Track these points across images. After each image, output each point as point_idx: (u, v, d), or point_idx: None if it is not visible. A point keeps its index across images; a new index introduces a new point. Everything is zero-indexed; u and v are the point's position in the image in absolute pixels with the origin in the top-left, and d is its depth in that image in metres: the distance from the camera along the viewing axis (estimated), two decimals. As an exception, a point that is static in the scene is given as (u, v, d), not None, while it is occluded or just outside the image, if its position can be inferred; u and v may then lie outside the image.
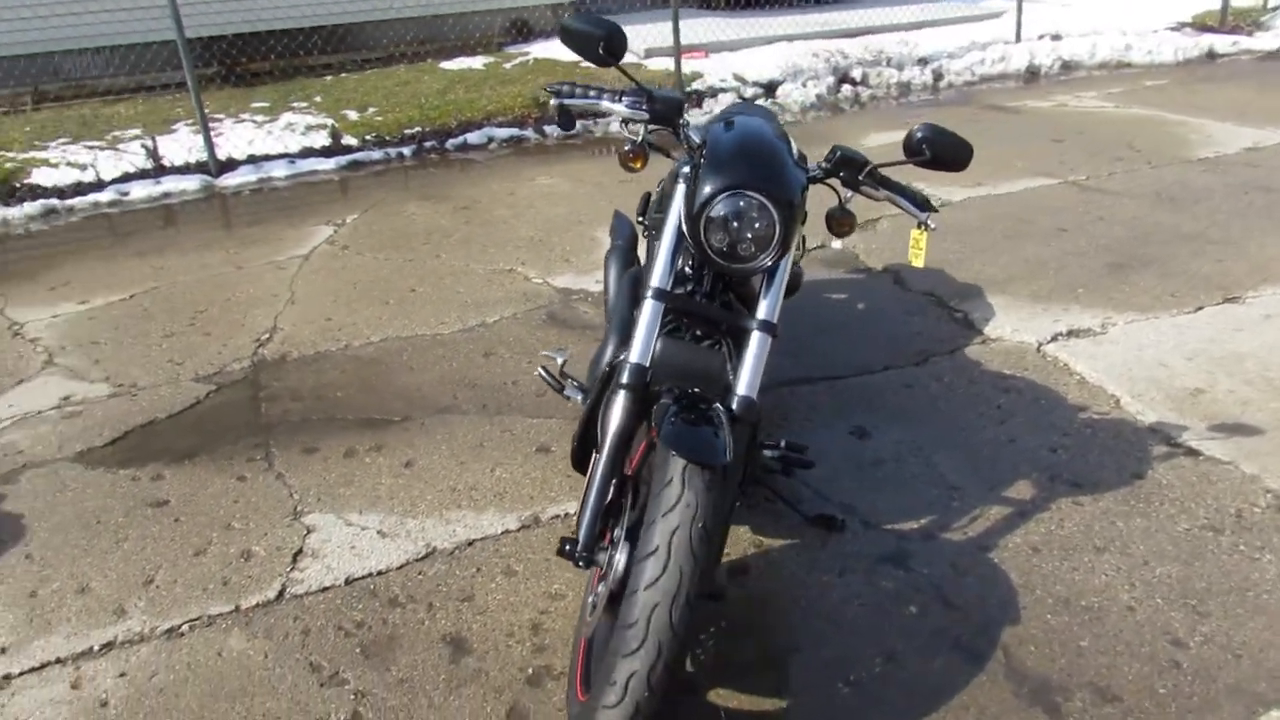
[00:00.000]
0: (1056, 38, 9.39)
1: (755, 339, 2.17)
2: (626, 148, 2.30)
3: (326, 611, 2.53)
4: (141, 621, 2.52)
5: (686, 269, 2.32)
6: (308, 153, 6.83)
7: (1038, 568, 2.57)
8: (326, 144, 6.91)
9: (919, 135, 2.22)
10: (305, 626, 2.48)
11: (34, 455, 3.31)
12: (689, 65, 8.39)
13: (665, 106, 2.31)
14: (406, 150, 6.96)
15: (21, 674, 2.37)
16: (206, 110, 7.36)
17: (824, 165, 2.30)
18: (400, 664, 2.35)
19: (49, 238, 5.67)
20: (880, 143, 6.48)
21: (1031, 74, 8.76)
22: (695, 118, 5.56)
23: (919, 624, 2.40)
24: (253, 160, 6.69)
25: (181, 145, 6.75)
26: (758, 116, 3.20)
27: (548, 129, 7.29)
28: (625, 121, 2.35)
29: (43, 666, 2.39)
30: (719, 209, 2.11)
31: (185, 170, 6.52)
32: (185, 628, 2.50)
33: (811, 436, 3.19)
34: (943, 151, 2.22)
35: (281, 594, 2.60)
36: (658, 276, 2.20)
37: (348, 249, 5.14)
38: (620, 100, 2.36)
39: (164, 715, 2.22)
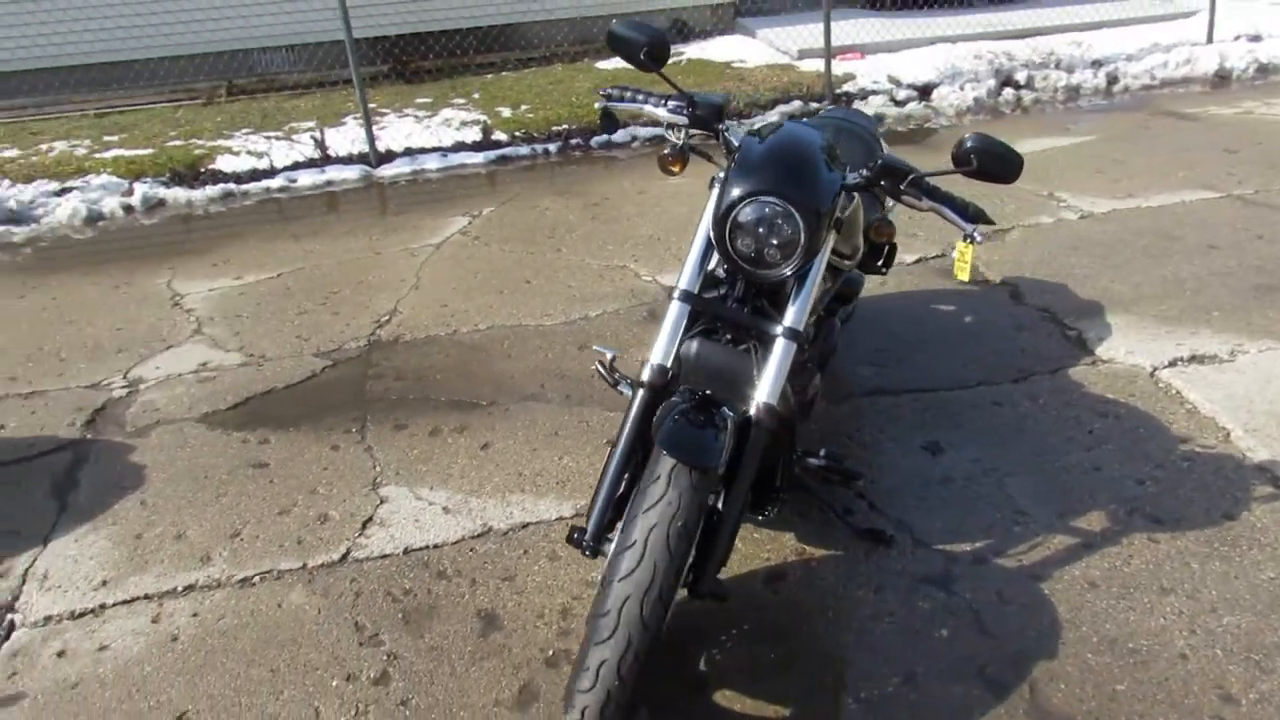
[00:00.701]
0: (1255, 39, 8.64)
1: (779, 345, 2.17)
2: (665, 151, 2.34)
3: (380, 577, 2.70)
4: (221, 570, 2.77)
5: (719, 272, 2.34)
6: (459, 147, 7.17)
7: (1090, 603, 2.43)
8: (478, 139, 7.24)
9: (967, 145, 2.15)
10: (359, 589, 2.66)
11: (166, 413, 3.67)
12: (842, 67, 8.25)
13: (705, 111, 2.35)
14: (552, 147, 7.19)
15: (114, 604, 2.66)
16: (373, 105, 7.88)
17: (865, 174, 2.26)
18: (434, 632, 2.48)
19: (223, 219, 6.22)
20: (1032, 149, 6.19)
21: (1221, 78, 8.10)
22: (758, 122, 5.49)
23: (947, 648, 2.33)
24: (409, 153, 7.09)
25: (346, 137, 7.23)
26: (846, 119, 3.17)
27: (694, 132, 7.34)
28: (670, 126, 2.39)
29: (132, 600, 2.67)
30: (745, 214, 2.12)
31: (348, 160, 6.98)
32: (257, 579, 2.73)
33: (881, 450, 3.13)
34: (990, 163, 2.15)
35: (345, 557, 2.79)
36: (685, 279, 2.24)
37: (478, 239, 5.38)
38: (664, 105, 2.40)
39: (221, 654, 2.45)
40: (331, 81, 8.79)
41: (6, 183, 6.64)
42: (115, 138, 7.53)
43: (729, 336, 2.28)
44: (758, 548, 2.71)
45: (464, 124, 7.45)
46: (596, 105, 2.51)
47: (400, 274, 4.93)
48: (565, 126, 7.39)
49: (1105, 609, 2.41)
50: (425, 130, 7.43)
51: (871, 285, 4.32)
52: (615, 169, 6.67)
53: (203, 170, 6.83)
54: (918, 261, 4.60)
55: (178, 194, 6.57)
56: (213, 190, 6.63)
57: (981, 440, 3.14)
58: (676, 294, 2.22)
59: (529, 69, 9.07)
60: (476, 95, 8.20)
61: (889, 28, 8.92)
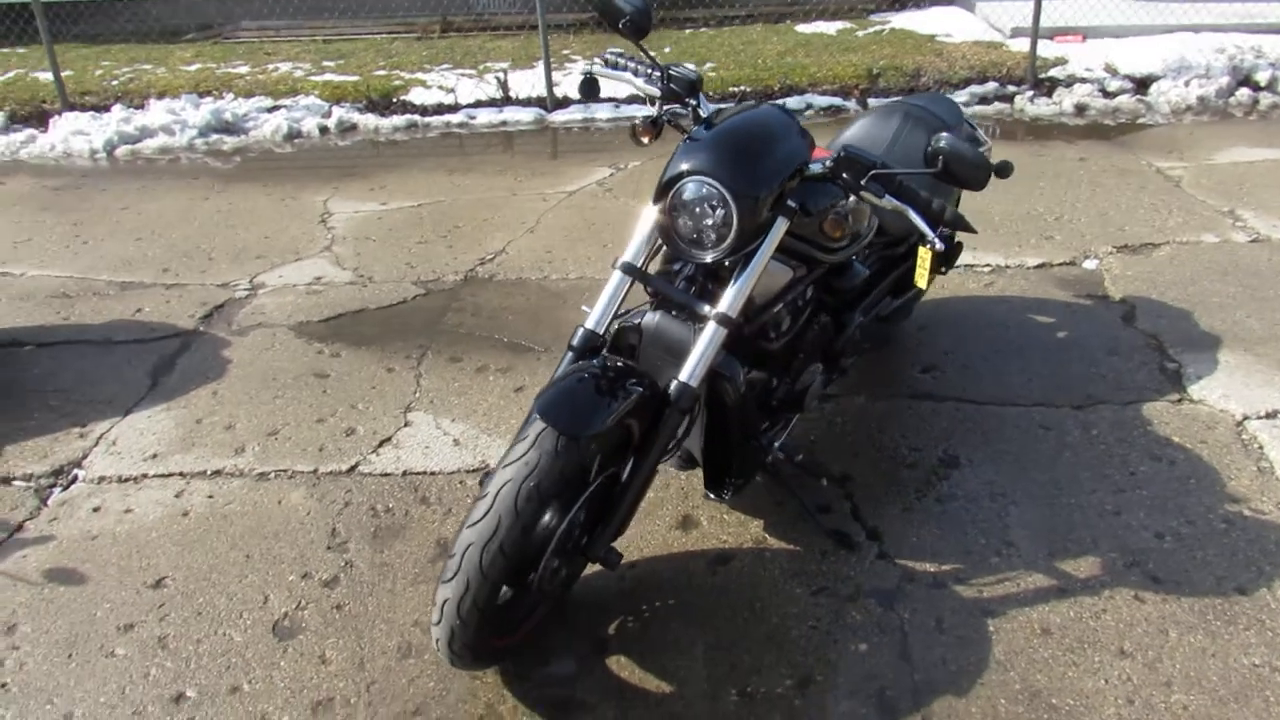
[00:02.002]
0: None
1: (707, 329, 2.16)
2: (637, 120, 2.34)
3: (373, 492, 2.91)
4: (248, 462, 3.08)
5: None
6: (633, 99, 7.27)
7: (1033, 650, 2.26)
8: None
9: (939, 145, 2.02)
10: (349, 499, 2.89)
11: (269, 318, 4.06)
12: (1056, 49, 7.64)
13: (679, 84, 2.34)
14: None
15: (152, 476, 3.03)
16: (566, 52, 8.13)
17: (827, 163, 2.16)
18: (392, 550, 2.67)
19: (401, 147, 6.67)
20: (1237, 159, 5.54)
21: None
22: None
23: (856, 663, 2.25)
24: (580, 101, 7.28)
25: (530, 80, 7.50)
26: (923, 108, 3.00)
27: (872, 101, 7.09)
28: (651, 99, 2.39)
29: (168, 475, 3.03)
30: (685, 192, 2.11)
31: (526, 103, 7.27)
32: (272, 475, 3.02)
33: (892, 455, 3.00)
34: (956, 167, 2.02)
35: (352, 469, 3.03)
36: (629, 250, 2.25)
37: (610, 191, 5.50)
38: (643, 76, 2.39)
39: (214, 535, 2.75)
40: (534, 26, 9.11)
41: (230, 96, 7.41)
42: (332, 63, 8.20)
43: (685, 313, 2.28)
44: (720, 529, 2.70)
45: (643, 77, 7.54)
46: (580, 71, 2.53)
47: (523, 216, 5.13)
48: (743, 88, 7.33)
49: (1046, 659, 2.24)
50: (608, 81, 7.57)
51: (969, 286, 4.08)
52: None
53: (394, 100, 7.33)
54: (1040, 266, 4.28)
55: (369, 120, 7.09)
56: (399, 120, 7.10)
57: (1004, 462, 2.94)
58: (619, 264, 2.24)
59: (729, 27, 9.01)
60: (668, 49, 8.26)
61: (1122, 9, 8.13)
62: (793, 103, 7.12)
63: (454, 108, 7.26)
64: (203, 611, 2.47)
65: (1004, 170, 3.49)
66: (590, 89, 2.47)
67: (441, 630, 1.96)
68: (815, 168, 2.19)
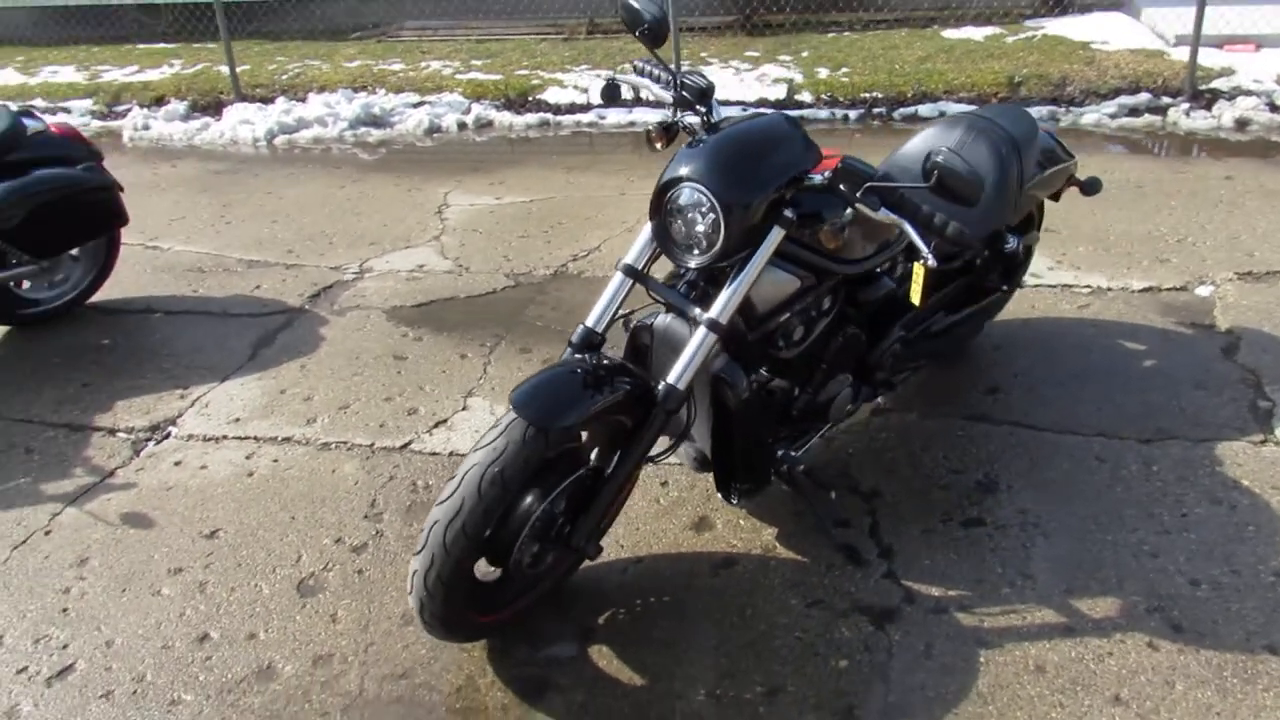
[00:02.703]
0: None
1: (696, 334, 2.20)
2: (651, 126, 2.39)
3: (417, 469, 3.09)
4: (315, 432, 3.32)
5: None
6: (761, 104, 7.27)
7: (1021, 687, 2.18)
8: (780, 97, 7.29)
9: (934, 159, 1.99)
10: (394, 474, 3.07)
11: (367, 301, 4.34)
12: (1226, 59, 7.11)
13: (689, 91, 2.37)
14: (853, 114, 7.05)
15: (230, 438, 3.32)
16: (704, 54, 8.22)
17: (826, 176, 2.15)
18: (420, 524, 2.82)
19: (531, 144, 6.92)
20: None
21: None
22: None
23: (831, 678, 2.23)
24: (711, 103, 7.33)
25: (661, 82, 7.60)
26: (989, 121, 2.92)
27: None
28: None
29: (244, 438, 3.31)
30: (678, 198, 2.15)
31: (656, 105, 7.38)
32: (334, 445, 3.25)
33: (930, 474, 2.93)
34: (950, 181, 1.98)
35: (404, 446, 3.22)
36: (631, 253, 2.31)
37: (716, 195, 5.53)
38: (658, 81, 2.44)
39: (270, 496, 2.99)
40: (686, 28, 9.21)
41: (382, 91, 7.88)
42: (480, 62, 8.57)
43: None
44: (733, 533, 2.72)
45: (776, 81, 7.53)
46: (603, 76, 2.60)
47: (624, 216, 5.24)
48: (873, 95, 7.19)
49: (1031, 696, 2.16)
50: (739, 83, 7.62)
51: (1061, 307, 3.90)
52: (900, 140, 6.40)
53: (530, 99, 7.60)
54: (1146, 290, 4.04)
55: (504, 117, 7.39)
56: (532, 118, 7.37)
57: (1046, 491, 2.82)
58: (620, 265, 2.31)
59: (873, 31, 8.84)
60: (805, 54, 8.19)
61: (1311, 18, 7.46)
62: (925, 109, 6.94)
63: (585, 107, 7.45)
64: (243, 564, 2.70)
65: (1091, 187, 3.35)
66: (611, 93, 2.53)
67: (413, 600, 2.09)
68: (815, 179, 2.18)
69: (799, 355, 2.53)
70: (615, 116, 7.28)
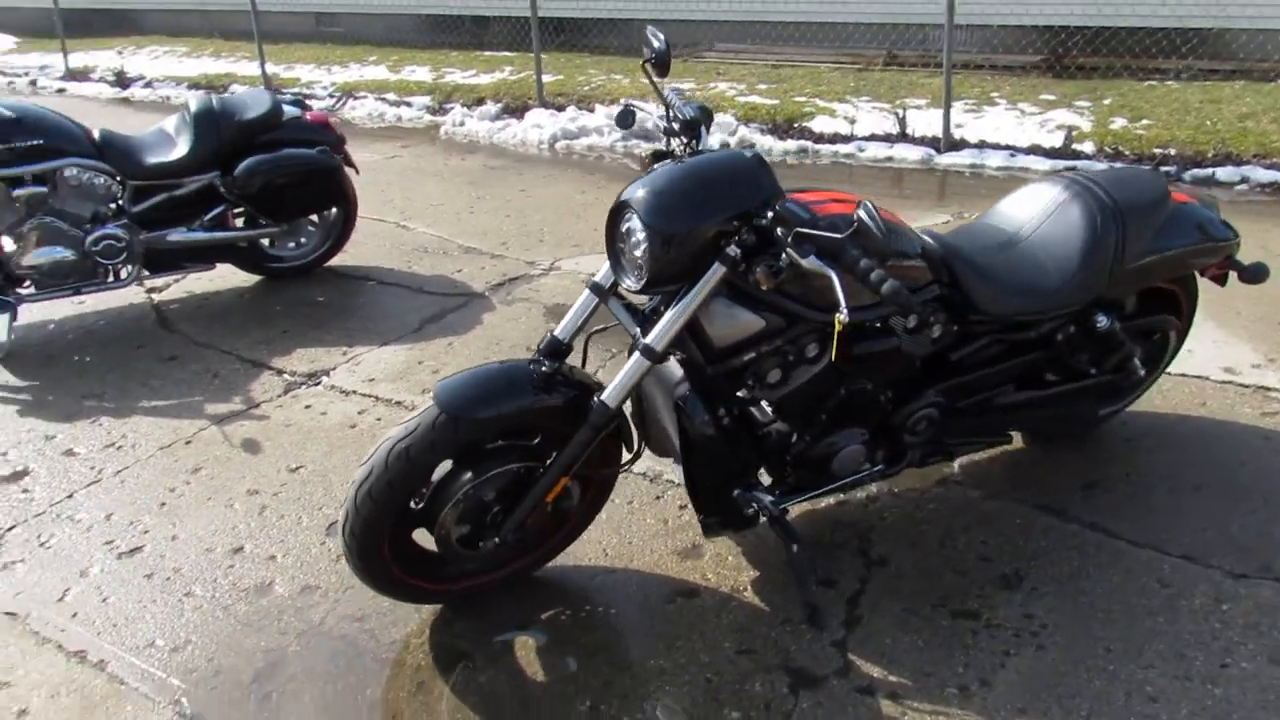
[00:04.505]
0: None
1: (633, 357, 2.25)
2: (645, 154, 2.45)
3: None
4: (417, 399, 3.71)
5: None
6: (1034, 150, 6.79)
7: (899, 789, 2.01)
8: (1055, 146, 6.76)
9: (857, 211, 1.91)
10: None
11: (536, 296, 4.69)
12: None
13: (681, 123, 2.40)
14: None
15: (357, 394, 3.79)
16: (995, 93, 7.82)
17: (768, 218, 2.10)
18: (453, 497, 3.09)
19: (785, 170, 6.78)
20: None
21: None
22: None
23: (712, 725, 2.19)
24: (981, 145, 6.96)
25: (929, 119, 7.33)
26: (1063, 186, 2.67)
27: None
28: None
29: (366, 395, 3.77)
30: (619, 220, 2.21)
31: (920, 141, 7.15)
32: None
33: (955, 553, 2.71)
34: (864, 237, 1.88)
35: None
36: (600, 272, 2.40)
37: (927, 239, 5.30)
38: (660, 113, 2.49)
39: (353, 446, 3.39)
40: (977, 65, 8.77)
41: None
42: (765, 86, 8.74)
43: None
44: (715, 566, 2.71)
45: (1058, 127, 6.98)
46: (623, 102, 2.65)
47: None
48: (1165, 152, 6.46)
49: (904, 803, 1.98)
50: (1017, 127, 7.16)
51: (1241, 409, 3.38)
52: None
53: (794, 125, 7.66)
54: (1367, 408, 3.37)
55: (765, 141, 7.52)
56: (792, 144, 7.43)
57: (1072, 603, 2.50)
58: (589, 283, 2.41)
59: (1201, 82, 7.86)
60: (1108, 101, 7.49)
61: None
62: (1224, 173, 6.13)
63: (848, 138, 7.38)
64: (302, 498, 3.12)
65: (1253, 274, 2.90)
66: (625, 119, 2.61)
67: (341, 546, 2.35)
68: (761, 221, 2.13)
69: (793, 401, 2.47)
70: (874, 150, 7.16)
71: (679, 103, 2.51)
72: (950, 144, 7.01)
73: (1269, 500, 2.88)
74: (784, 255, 2.08)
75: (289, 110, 4.66)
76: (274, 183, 4.48)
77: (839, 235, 1.94)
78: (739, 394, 2.39)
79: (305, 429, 3.53)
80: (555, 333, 2.44)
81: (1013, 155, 6.78)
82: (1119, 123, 6.99)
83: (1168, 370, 3.61)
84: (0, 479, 3.28)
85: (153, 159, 4.42)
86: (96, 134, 4.36)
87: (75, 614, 2.63)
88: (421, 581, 2.48)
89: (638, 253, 2.19)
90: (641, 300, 2.42)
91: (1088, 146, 6.69)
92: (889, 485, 3.03)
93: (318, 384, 3.90)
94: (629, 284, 2.24)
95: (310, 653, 2.47)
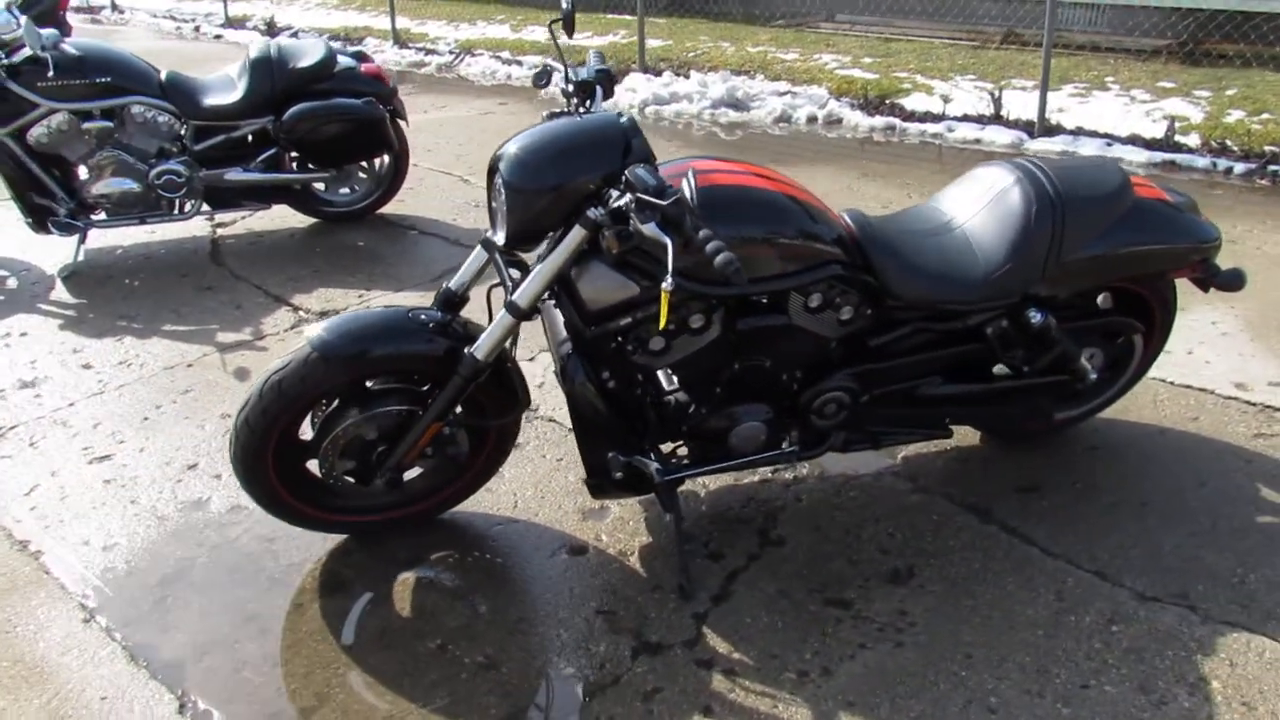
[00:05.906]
0: None
1: (500, 313, 2.30)
2: (545, 113, 2.46)
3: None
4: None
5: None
6: (1133, 140, 6.35)
7: (692, 761, 2.02)
8: (1155, 137, 6.29)
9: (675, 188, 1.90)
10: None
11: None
12: None
13: (575, 84, 2.42)
14: (1240, 167, 5.88)
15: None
16: (1112, 79, 7.35)
17: (623, 183, 2.09)
18: (399, 438, 3.23)
19: (869, 147, 6.78)
20: None
21: None
22: None
23: (543, 678, 2.25)
24: (1073, 132, 6.56)
25: (1031, 102, 6.94)
26: (1016, 173, 2.55)
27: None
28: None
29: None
30: (492, 175, 2.26)
31: (1013, 124, 6.79)
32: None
33: (853, 545, 2.65)
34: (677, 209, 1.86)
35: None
36: (491, 228, 2.45)
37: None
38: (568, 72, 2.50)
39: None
40: (1106, 48, 8.21)
41: (761, 77, 8.19)
42: (870, 60, 8.47)
43: None
44: (614, 529, 2.74)
45: (1164, 117, 6.50)
46: (539, 62, 2.65)
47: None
48: (1278, 149, 5.92)
49: (690, 775, 1.99)
50: (1122, 114, 6.71)
51: (1232, 429, 3.14)
52: (1238, 213, 5.26)
53: (886, 101, 7.41)
54: (1384, 440, 3.07)
55: (855, 117, 7.31)
56: (879, 120, 7.20)
57: (954, 605, 2.41)
58: (481, 239, 2.47)
59: (1352, 76, 7.12)
60: (1231, 91, 6.90)
61: None
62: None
63: (938, 118, 7.09)
64: (266, 425, 3.32)
65: (1229, 282, 2.69)
66: (541, 79, 2.61)
67: (229, 465, 2.51)
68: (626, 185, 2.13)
69: (685, 372, 2.48)
70: (963, 131, 6.85)
71: (594, 64, 2.53)
72: (1045, 129, 6.63)
73: (1216, 525, 2.67)
74: (630, 221, 2.08)
75: (343, 61, 4.88)
76: (320, 129, 4.71)
77: (664, 203, 1.93)
78: (637, 360, 2.40)
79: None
80: (449, 285, 2.51)
81: (1109, 145, 6.35)
82: (1235, 115, 6.44)
83: (1172, 380, 3.40)
84: (22, 384, 3.63)
85: (212, 101, 4.72)
86: (164, 75, 4.69)
87: (34, 507, 2.91)
88: (312, 509, 2.60)
89: (502, 210, 2.23)
90: (532, 257, 2.46)
91: (1192, 139, 6.20)
92: (818, 469, 2.97)
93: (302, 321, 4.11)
94: (498, 239, 2.29)
95: (215, 565, 2.66)
